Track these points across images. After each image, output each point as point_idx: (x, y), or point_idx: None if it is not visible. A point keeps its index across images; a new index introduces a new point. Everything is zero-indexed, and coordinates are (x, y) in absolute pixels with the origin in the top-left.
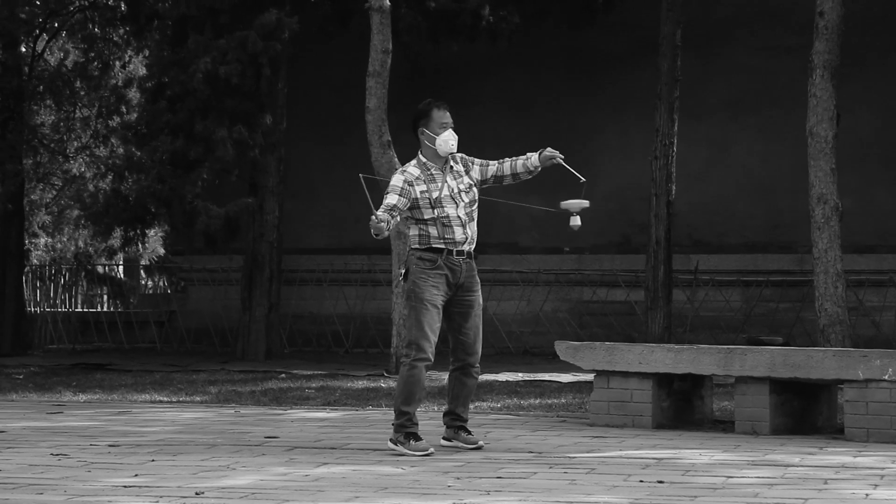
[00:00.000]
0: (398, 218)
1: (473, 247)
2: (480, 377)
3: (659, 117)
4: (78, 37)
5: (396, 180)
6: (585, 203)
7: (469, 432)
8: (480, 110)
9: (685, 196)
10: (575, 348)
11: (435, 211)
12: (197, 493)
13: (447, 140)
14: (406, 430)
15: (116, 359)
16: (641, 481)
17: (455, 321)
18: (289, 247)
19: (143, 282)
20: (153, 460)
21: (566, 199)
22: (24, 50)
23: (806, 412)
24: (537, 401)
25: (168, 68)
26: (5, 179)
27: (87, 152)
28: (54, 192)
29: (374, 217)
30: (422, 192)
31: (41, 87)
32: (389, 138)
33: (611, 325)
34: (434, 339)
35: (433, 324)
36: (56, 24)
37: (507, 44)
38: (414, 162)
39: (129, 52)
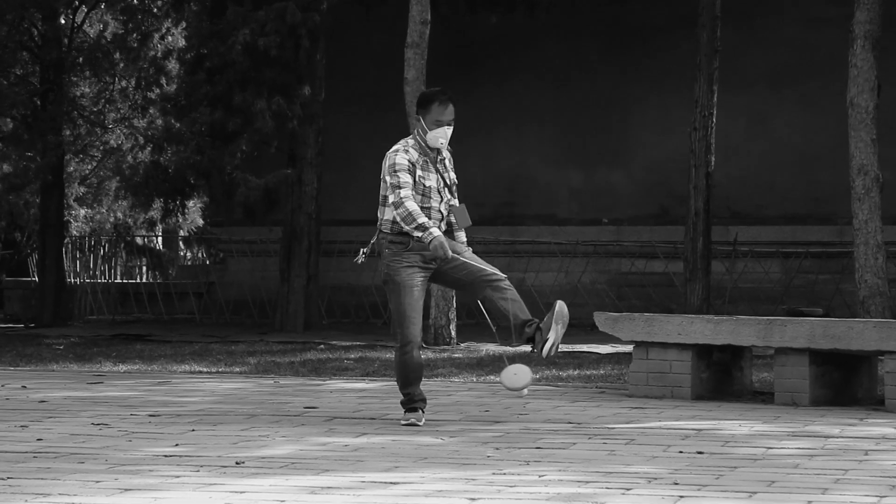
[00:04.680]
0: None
1: None
2: (518, 348)
3: (698, 88)
4: (117, 8)
5: (401, 159)
6: (528, 380)
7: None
8: (518, 82)
9: (724, 167)
10: (614, 319)
11: (422, 199)
12: (237, 463)
13: (438, 137)
14: (410, 406)
15: (156, 330)
16: (681, 452)
17: (452, 276)
18: (327, 218)
19: (182, 253)
20: (193, 430)
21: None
22: (63, 22)
23: (846, 383)
24: (576, 372)
25: (207, 40)
26: (46, 151)
27: (126, 124)
28: (93, 164)
29: (430, 236)
30: (418, 176)
31: (80, 58)
32: None
33: (649, 297)
34: (418, 318)
35: (415, 304)
36: None
37: (544, 15)
38: (413, 143)
39: (168, 24)
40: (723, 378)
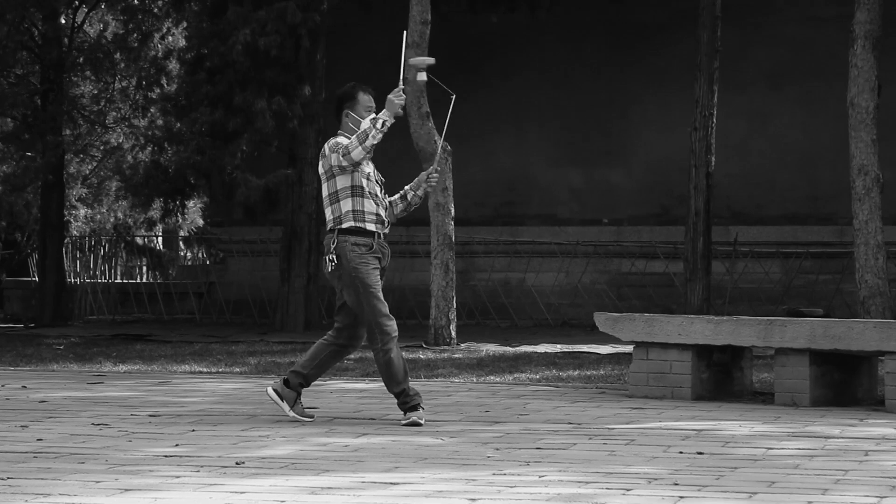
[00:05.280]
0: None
1: None
2: (519, 348)
3: (699, 88)
4: (117, 8)
5: (343, 140)
6: (430, 60)
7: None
8: (518, 82)
9: (724, 167)
10: (614, 320)
11: (367, 184)
12: (237, 463)
13: None
14: (412, 403)
15: (156, 330)
16: (681, 452)
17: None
18: None
19: (182, 253)
20: (193, 430)
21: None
22: (63, 21)
23: (846, 384)
24: (576, 372)
25: (207, 40)
26: (46, 150)
27: (127, 123)
28: (94, 164)
29: (384, 115)
30: (361, 167)
31: (81, 58)
32: (428, 109)
33: (649, 297)
34: (389, 313)
35: (384, 303)
36: None
37: (546, 14)
38: (343, 139)
39: (169, 24)
40: (723, 378)
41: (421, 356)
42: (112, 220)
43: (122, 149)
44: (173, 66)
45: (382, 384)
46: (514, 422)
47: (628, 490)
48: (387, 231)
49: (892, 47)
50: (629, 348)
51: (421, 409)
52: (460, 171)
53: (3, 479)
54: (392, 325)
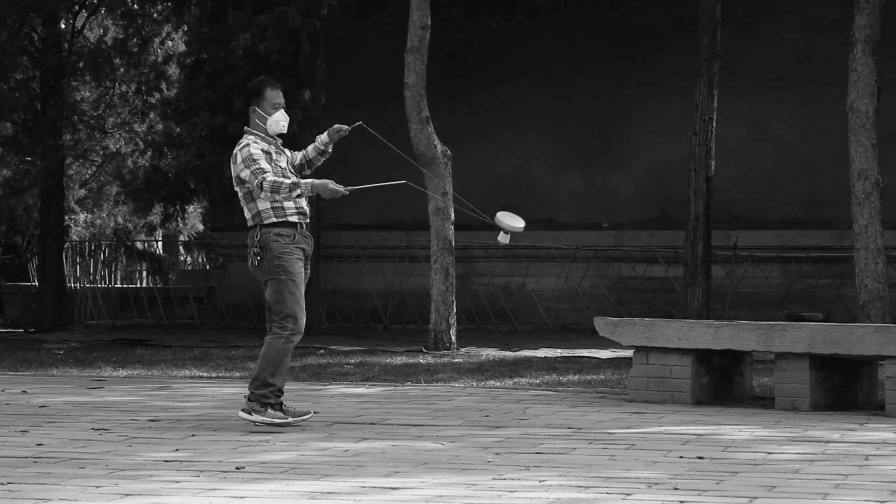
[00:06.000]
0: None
1: None
2: (519, 353)
3: (698, 93)
4: (117, 13)
5: (255, 148)
6: (520, 226)
7: (287, 405)
8: (518, 86)
9: (724, 172)
10: (614, 324)
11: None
12: (237, 468)
13: (278, 121)
14: (266, 401)
15: (156, 334)
16: (681, 457)
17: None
18: (327, 223)
19: (182, 258)
20: (193, 435)
21: (505, 213)
22: (63, 26)
23: (846, 388)
24: (576, 377)
25: (207, 44)
26: (45, 155)
27: (126, 128)
28: (93, 169)
29: (309, 183)
30: (274, 161)
31: (81, 63)
32: (428, 114)
33: (649, 302)
34: (304, 312)
35: (303, 297)
36: (95, 1)
37: (545, 19)
38: (253, 137)
39: (169, 28)
40: (723, 383)
41: (421, 361)
42: (112, 224)
43: (121, 154)
44: (173, 70)
45: (382, 389)
46: (514, 426)
47: (628, 495)
48: (307, 221)
49: (891, 52)
50: (629, 353)
51: (271, 410)
52: (460, 176)
53: (2, 484)
54: (303, 321)
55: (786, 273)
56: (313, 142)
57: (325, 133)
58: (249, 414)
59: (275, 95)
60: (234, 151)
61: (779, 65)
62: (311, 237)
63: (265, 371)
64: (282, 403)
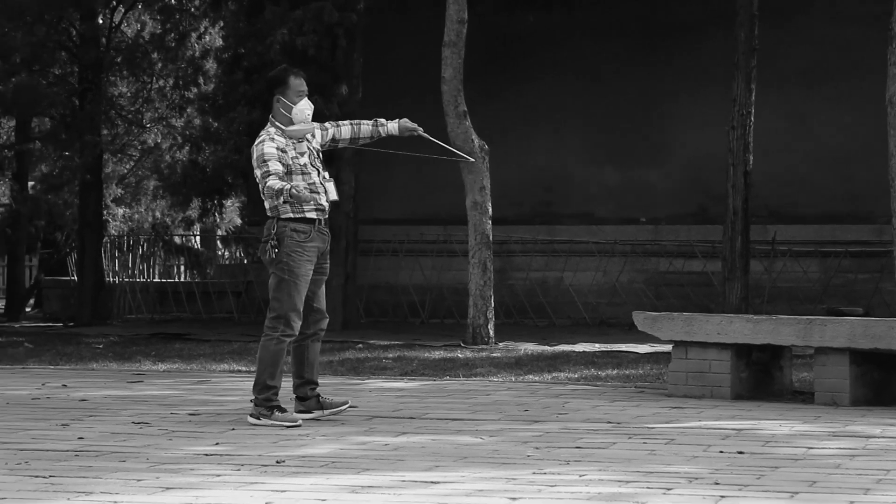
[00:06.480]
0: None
1: None
2: (557, 347)
3: (736, 87)
4: (155, 8)
5: (269, 147)
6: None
7: (325, 397)
8: (554, 81)
9: (762, 166)
10: (653, 319)
11: (304, 178)
12: (277, 462)
13: (303, 109)
14: (271, 404)
15: (195, 329)
16: (721, 452)
17: (310, 289)
18: (365, 217)
19: (220, 252)
20: (233, 429)
21: None
22: (101, 22)
23: (886, 383)
24: (615, 371)
25: (244, 39)
26: (84, 150)
27: (164, 123)
28: (131, 164)
29: (295, 190)
30: (292, 158)
31: (118, 58)
32: (465, 108)
33: (687, 296)
34: (301, 314)
35: (302, 300)
36: None
37: (582, 13)
38: (273, 130)
39: (206, 23)
40: (762, 378)
41: (459, 355)
42: (150, 219)
43: (159, 148)
44: (210, 65)
45: (420, 384)
46: (553, 421)
47: (669, 489)
48: (326, 217)
49: None
50: (668, 347)
51: (278, 413)
52: (497, 171)
53: (45, 477)
54: (298, 325)
55: (824, 268)
56: (371, 121)
57: (396, 123)
58: (258, 419)
59: (298, 84)
60: (252, 147)
61: (816, 59)
62: (329, 233)
63: (263, 374)
64: (318, 395)
